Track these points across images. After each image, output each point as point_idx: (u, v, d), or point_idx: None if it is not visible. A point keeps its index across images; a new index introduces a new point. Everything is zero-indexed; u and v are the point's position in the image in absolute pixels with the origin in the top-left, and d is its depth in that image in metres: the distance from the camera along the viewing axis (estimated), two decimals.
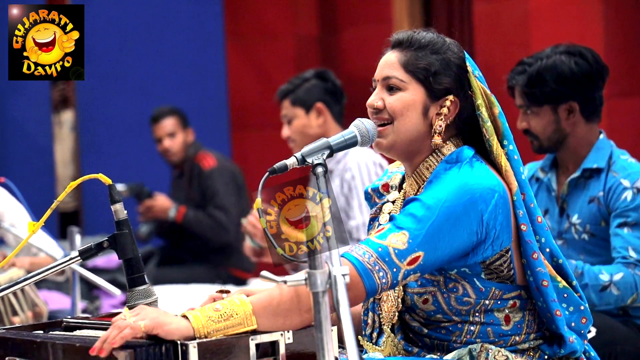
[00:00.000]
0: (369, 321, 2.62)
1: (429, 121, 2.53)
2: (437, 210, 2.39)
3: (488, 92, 2.54)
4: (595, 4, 5.63)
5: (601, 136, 3.63)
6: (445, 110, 2.52)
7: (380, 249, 2.36)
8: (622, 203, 3.48)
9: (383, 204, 2.67)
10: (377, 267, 2.35)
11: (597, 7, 5.62)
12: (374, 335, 2.60)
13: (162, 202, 6.44)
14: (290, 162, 2.37)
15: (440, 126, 2.51)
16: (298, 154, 2.37)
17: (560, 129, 3.60)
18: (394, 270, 2.36)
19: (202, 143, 6.65)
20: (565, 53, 3.57)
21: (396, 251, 2.36)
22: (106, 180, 2.44)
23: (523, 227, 2.47)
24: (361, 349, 2.61)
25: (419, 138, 2.53)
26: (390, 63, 2.55)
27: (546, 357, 2.53)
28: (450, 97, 2.52)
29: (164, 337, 2.21)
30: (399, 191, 2.65)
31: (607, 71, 3.60)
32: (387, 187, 2.69)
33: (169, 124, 6.53)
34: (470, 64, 2.55)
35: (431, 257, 2.38)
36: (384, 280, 2.36)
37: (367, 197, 2.73)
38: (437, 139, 2.51)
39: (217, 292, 2.49)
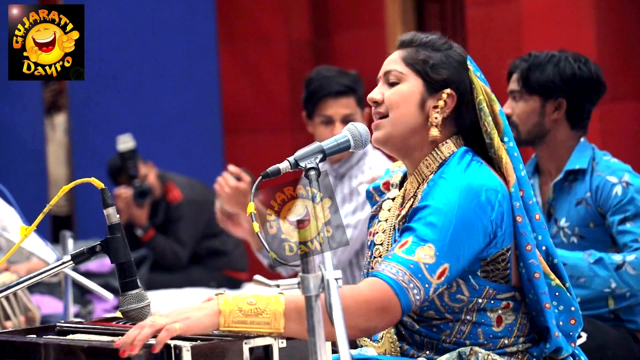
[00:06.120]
0: None
1: (425, 114, 2.53)
2: (453, 218, 2.40)
3: (488, 90, 2.56)
4: (587, 9, 5.64)
5: (582, 139, 3.66)
6: (442, 103, 2.53)
7: (412, 266, 2.36)
8: (614, 199, 3.51)
9: (383, 201, 2.67)
10: (411, 285, 2.35)
11: (590, 12, 5.63)
12: None
13: (141, 213, 6.38)
14: (284, 166, 2.38)
15: (436, 118, 2.52)
16: (291, 158, 2.38)
17: (542, 124, 3.63)
18: (426, 286, 2.36)
19: (169, 173, 6.55)
20: (572, 57, 3.65)
21: (427, 266, 2.36)
22: (98, 184, 2.44)
23: (518, 219, 2.48)
24: (354, 348, 2.61)
25: (415, 131, 2.53)
26: (392, 59, 2.59)
27: (534, 359, 2.53)
28: (448, 90, 2.53)
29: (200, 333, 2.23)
30: (400, 189, 2.66)
31: (604, 88, 3.67)
32: (387, 185, 2.71)
33: None
34: (472, 65, 2.57)
35: (455, 267, 2.40)
36: (417, 297, 2.36)
37: (369, 195, 2.75)
38: (434, 131, 2.52)
39: (215, 295, 2.48)
